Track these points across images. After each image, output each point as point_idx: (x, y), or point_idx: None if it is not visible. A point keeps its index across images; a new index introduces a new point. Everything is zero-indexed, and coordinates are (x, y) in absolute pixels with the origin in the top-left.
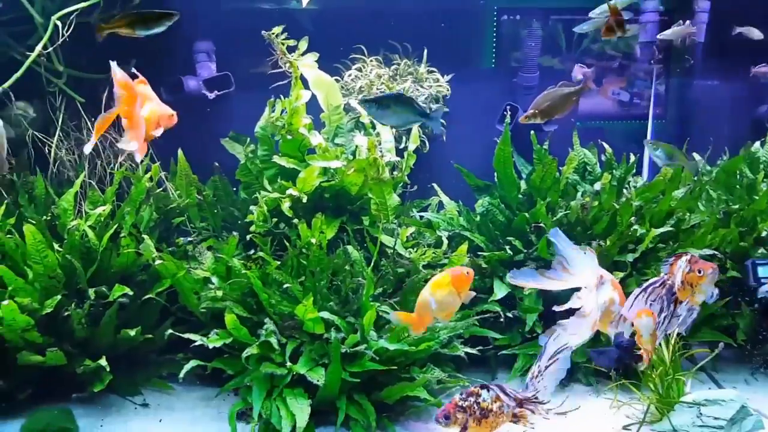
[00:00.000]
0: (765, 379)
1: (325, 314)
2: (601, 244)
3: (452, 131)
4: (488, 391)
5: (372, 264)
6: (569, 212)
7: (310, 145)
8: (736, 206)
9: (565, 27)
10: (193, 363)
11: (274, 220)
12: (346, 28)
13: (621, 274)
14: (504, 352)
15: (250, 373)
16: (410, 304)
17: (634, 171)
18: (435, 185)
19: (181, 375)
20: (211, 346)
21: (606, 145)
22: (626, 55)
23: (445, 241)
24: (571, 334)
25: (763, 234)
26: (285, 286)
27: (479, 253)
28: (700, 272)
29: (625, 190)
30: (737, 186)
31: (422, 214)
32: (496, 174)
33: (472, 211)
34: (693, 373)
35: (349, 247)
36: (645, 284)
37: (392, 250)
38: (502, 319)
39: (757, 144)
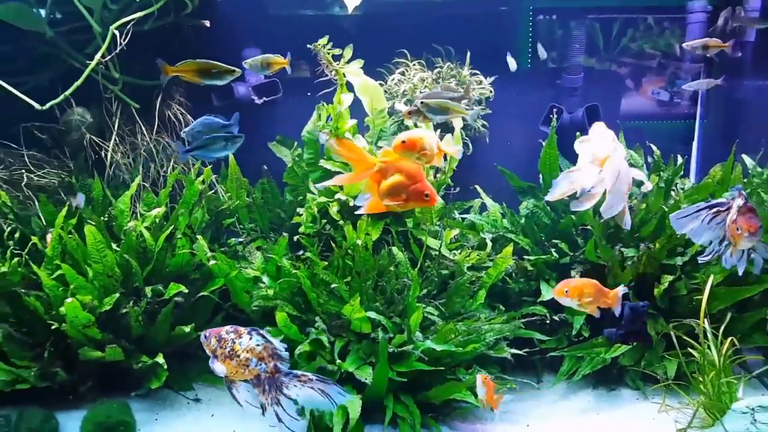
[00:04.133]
0: None
1: (372, 314)
2: (649, 246)
3: (494, 133)
4: (250, 338)
5: (418, 265)
6: (617, 214)
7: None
8: None
9: (603, 26)
10: None
11: (323, 221)
12: (389, 32)
13: (670, 278)
14: (551, 354)
15: (299, 369)
16: (456, 306)
17: (682, 173)
18: (478, 187)
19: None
20: None
21: (654, 147)
22: (665, 54)
23: (489, 243)
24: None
25: None
26: (332, 286)
27: (525, 256)
28: (738, 230)
29: (672, 192)
30: None
31: (464, 216)
32: (541, 176)
33: (515, 213)
34: (745, 378)
35: (394, 249)
36: (712, 202)
37: (437, 252)
38: (548, 322)
39: None
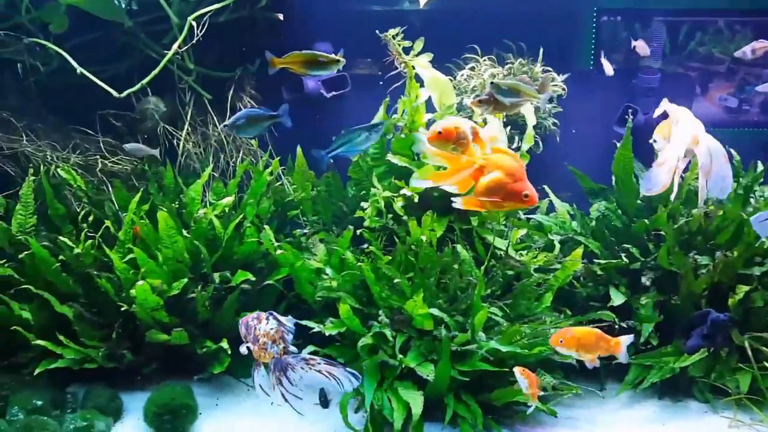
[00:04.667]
0: None
1: (435, 311)
2: (726, 254)
3: (566, 132)
4: (267, 323)
5: (485, 264)
6: (691, 220)
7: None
8: None
9: (669, 29)
10: (310, 348)
11: (389, 216)
12: (458, 28)
13: (746, 288)
14: (616, 362)
15: (361, 361)
16: (521, 308)
17: (762, 180)
18: (546, 187)
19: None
20: (327, 333)
21: (734, 152)
22: (735, 59)
23: (557, 245)
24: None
25: None
26: (395, 281)
27: (594, 260)
28: None
29: (752, 200)
30: None
31: (531, 216)
32: (614, 178)
33: (586, 215)
34: None
35: (458, 246)
36: None
37: (503, 252)
38: (616, 327)
39: None
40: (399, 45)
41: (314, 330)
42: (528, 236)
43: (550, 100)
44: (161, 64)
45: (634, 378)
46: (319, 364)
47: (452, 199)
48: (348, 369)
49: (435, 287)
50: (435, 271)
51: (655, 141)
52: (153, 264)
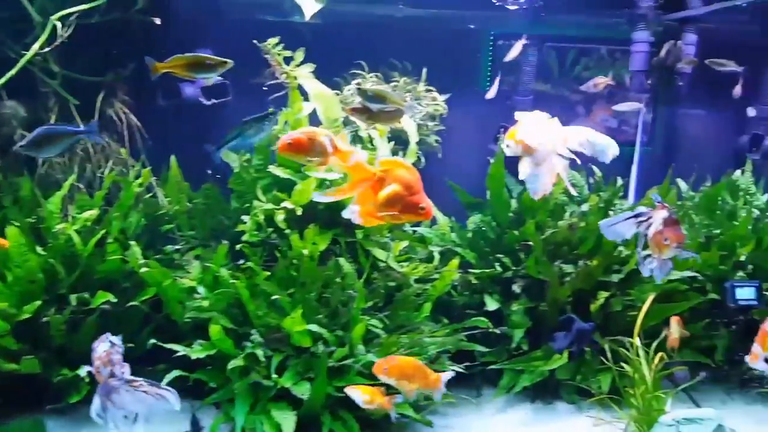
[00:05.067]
0: (741, 399)
1: (313, 327)
2: (587, 263)
3: (447, 149)
4: (101, 345)
5: (364, 276)
6: (557, 231)
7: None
8: (717, 231)
9: (559, 54)
10: (174, 373)
11: (269, 230)
12: (348, 44)
13: (606, 294)
14: (492, 367)
15: (233, 385)
16: (400, 318)
17: (621, 194)
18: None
19: (163, 385)
20: (194, 356)
21: (596, 169)
22: (616, 84)
23: (437, 256)
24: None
25: (742, 258)
26: (273, 297)
27: (470, 269)
28: (666, 240)
29: (611, 212)
30: (718, 212)
31: (416, 229)
32: (488, 192)
33: (464, 227)
34: (673, 393)
35: (341, 260)
36: (636, 211)
37: (384, 264)
38: (493, 329)
39: (738, 172)
40: (279, 55)
41: (180, 354)
42: (412, 248)
43: (432, 118)
44: (18, 65)
45: (508, 383)
46: (142, 385)
47: (344, 212)
48: (169, 389)
49: (316, 302)
50: (316, 286)
51: (508, 146)
52: (0, 285)
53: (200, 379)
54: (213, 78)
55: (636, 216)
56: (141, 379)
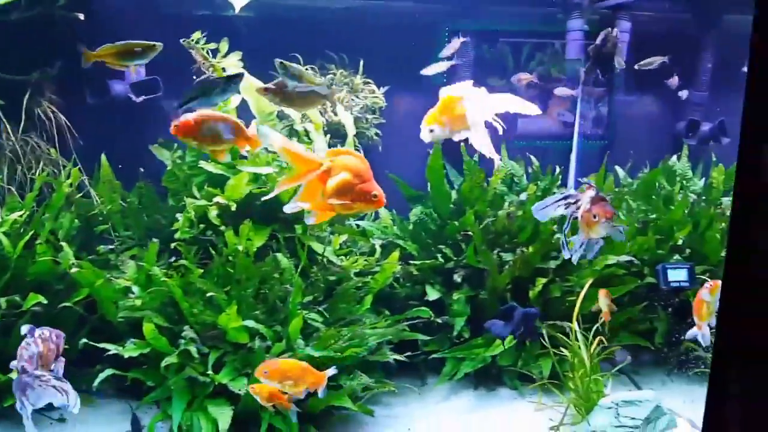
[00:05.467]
0: (680, 380)
1: (250, 323)
2: (523, 251)
3: (390, 142)
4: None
5: (298, 270)
6: (496, 220)
7: (240, 151)
8: (654, 216)
9: (513, 49)
10: (108, 372)
11: (201, 226)
12: (283, 36)
13: (543, 280)
14: (434, 356)
15: (169, 383)
16: (340, 311)
17: (559, 182)
18: None
19: (95, 384)
20: (126, 355)
21: (533, 158)
22: (570, 78)
23: (378, 249)
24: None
25: (679, 242)
26: (208, 294)
27: (411, 261)
28: (595, 217)
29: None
30: (655, 197)
31: (359, 222)
32: (429, 184)
33: (406, 220)
34: (612, 375)
35: (279, 255)
36: (565, 193)
37: (321, 257)
38: (433, 318)
39: (674, 158)
40: (203, 49)
41: (118, 354)
42: (354, 242)
43: (373, 111)
44: None
45: (451, 370)
46: (50, 380)
47: (286, 208)
48: (67, 388)
49: (253, 298)
50: (253, 282)
51: (432, 131)
52: None
53: (140, 378)
54: (141, 75)
55: (565, 198)
56: (47, 374)
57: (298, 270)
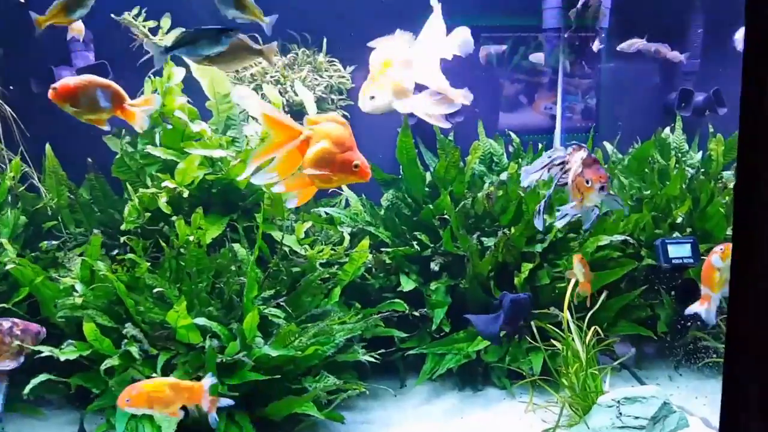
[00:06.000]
0: (689, 374)
1: (201, 320)
2: (506, 233)
3: (358, 123)
4: None
5: (251, 260)
6: (475, 202)
7: (195, 135)
8: (648, 192)
9: (496, 43)
10: (42, 377)
11: (148, 215)
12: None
13: (530, 266)
14: (411, 352)
15: (112, 388)
16: (303, 306)
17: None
18: None
19: (25, 391)
20: (63, 358)
21: (513, 135)
22: (556, 71)
23: (347, 238)
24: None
25: (679, 220)
26: (156, 290)
27: (383, 249)
28: (588, 182)
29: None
30: (649, 172)
31: (326, 210)
32: (401, 166)
33: (377, 205)
34: (612, 370)
35: (236, 246)
36: (552, 155)
37: (281, 247)
38: (410, 311)
39: (667, 130)
40: (143, 26)
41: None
42: (322, 231)
43: (340, 92)
44: None
45: (431, 368)
46: None
47: (255, 179)
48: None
49: (208, 293)
50: (206, 276)
51: (373, 97)
52: None
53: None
54: (90, 60)
55: (553, 161)
56: None
57: (251, 260)
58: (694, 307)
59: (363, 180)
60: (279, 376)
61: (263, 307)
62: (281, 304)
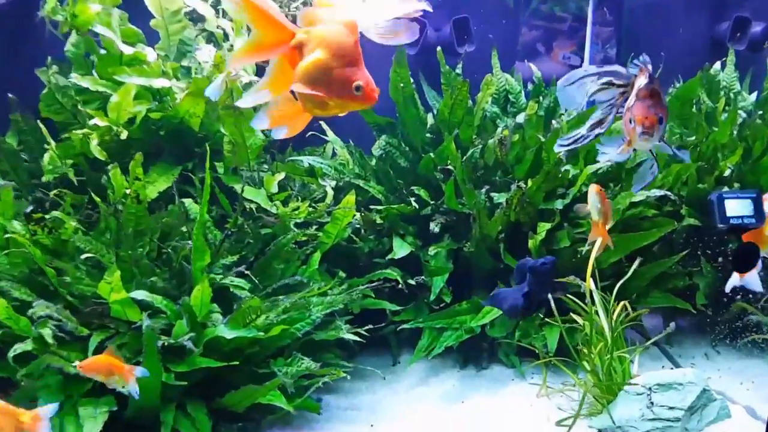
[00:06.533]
0: (729, 352)
1: (141, 294)
2: (521, 187)
3: None
4: None
5: (201, 219)
6: (485, 150)
7: (133, 61)
8: (693, 138)
9: None
10: None
11: (69, 161)
12: None
13: (547, 226)
14: (405, 326)
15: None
16: (274, 275)
17: None
18: (323, 123)
19: None
20: None
21: (533, 67)
22: (576, 17)
23: (331, 193)
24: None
25: (727, 172)
26: (84, 256)
27: (372, 206)
28: (631, 122)
29: (555, 123)
30: (693, 115)
31: (304, 158)
32: (396, 106)
33: (368, 155)
34: (641, 349)
35: (187, 201)
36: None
37: (242, 202)
38: (404, 281)
39: (717, 65)
40: None
41: None
42: (304, 186)
43: None
44: None
45: (429, 344)
46: None
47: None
48: None
49: (153, 261)
50: (150, 239)
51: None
52: None
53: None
54: None
55: (602, 75)
56: None
57: (200, 217)
58: (734, 280)
59: (367, 105)
60: (240, 361)
61: (220, 277)
62: (246, 272)
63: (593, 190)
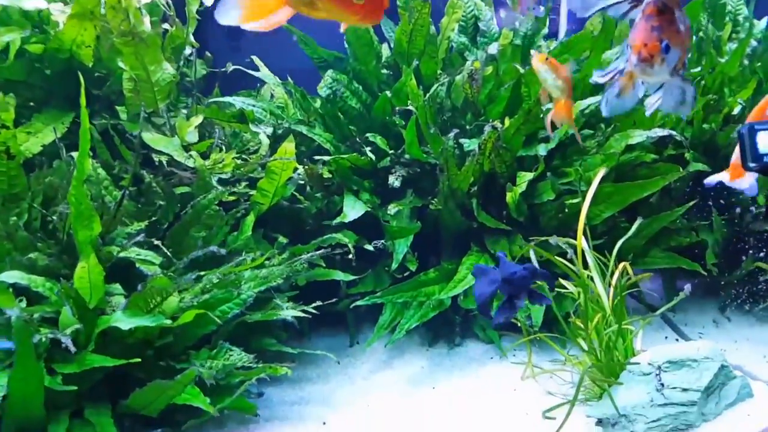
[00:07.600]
0: (741, 318)
1: (13, 275)
2: (495, 128)
3: None
4: None
5: (78, 175)
6: (453, 88)
7: None
8: (697, 70)
9: None
10: None
11: None
12: None
13: (529, 176)
14: (360, 303)
15: None
16: (189, 248)
17: (546, 30)
18: (255, 58)
19: None
20: None
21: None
22: None
23: (266, 142)
24: None
25: (737, 109)
26: None
27: (318, 157)
28: (627, 46)
29: (533, 52)
30: (697, 43)
31: (230, 98)
32: (347, 44)
33: (312, 96)
34: (646, 320)
35: (76, 154)
36: None
37: (138, 151)
38: (359, 246)
39: None
40: None
41: None
42: (234, 135)
43: None
44: None
45: (390, 320)
46: None
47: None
48: None
49: (32, 232)
50: (29, 204)
51: None
52: None
53: None
54: None
55: None
56: None
57: (78, 172)
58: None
59: (371, 22)
60: (150, 356)
61: (118, 250)
62: (156, 243)
63: (538, 59)
